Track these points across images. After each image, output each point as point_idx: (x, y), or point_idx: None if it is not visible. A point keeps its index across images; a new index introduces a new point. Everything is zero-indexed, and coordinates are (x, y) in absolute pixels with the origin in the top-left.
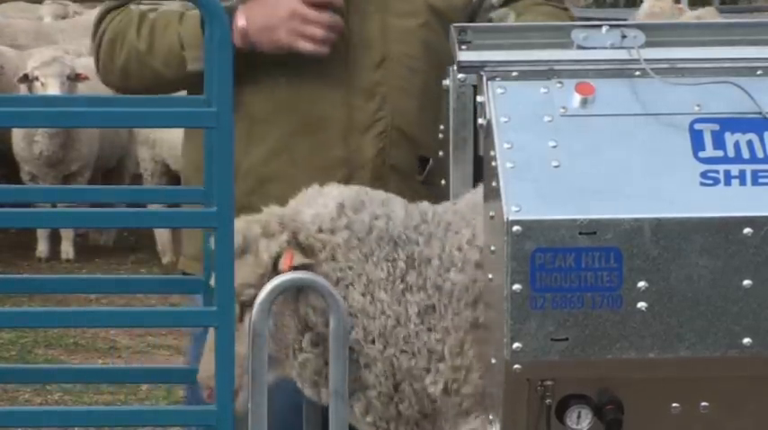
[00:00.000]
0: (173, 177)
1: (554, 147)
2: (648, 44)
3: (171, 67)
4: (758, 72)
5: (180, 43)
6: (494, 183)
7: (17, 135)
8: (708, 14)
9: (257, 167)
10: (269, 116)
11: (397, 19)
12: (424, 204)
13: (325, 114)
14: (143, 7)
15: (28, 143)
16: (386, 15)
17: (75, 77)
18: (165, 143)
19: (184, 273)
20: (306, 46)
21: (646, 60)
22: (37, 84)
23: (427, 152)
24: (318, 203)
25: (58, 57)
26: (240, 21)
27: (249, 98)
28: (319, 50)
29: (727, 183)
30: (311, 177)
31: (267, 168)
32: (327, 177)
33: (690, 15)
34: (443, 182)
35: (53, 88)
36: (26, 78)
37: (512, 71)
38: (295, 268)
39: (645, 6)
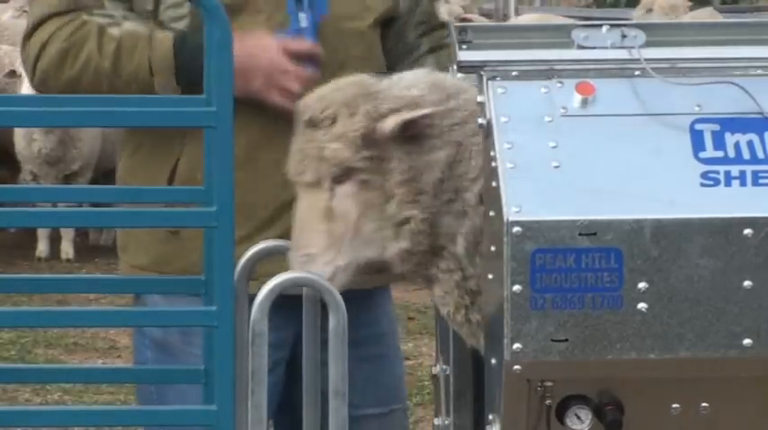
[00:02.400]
0: None
1: (554, 147)
2: (649, 44)
3: (132, 89)
4: (758, 72)
5: (149, 68)
6: (494, 184)
7: (18, 134)
8: (704, 14)
9: None
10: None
11: (349, 22)
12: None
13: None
14: (100, 20)
15: (28, 142)
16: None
17: None
18: None
19: None
20: (279, 100)
21: (646, 60)
22: (25, 79)
23: None
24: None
25: None
26: None
27: None
28: (290, 106)
29: (728, 183)
30: (275, 187)
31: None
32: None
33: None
34: None
35: (28, 83)
36: (14, 74)
37: (512, 71)
38: (401, 126)
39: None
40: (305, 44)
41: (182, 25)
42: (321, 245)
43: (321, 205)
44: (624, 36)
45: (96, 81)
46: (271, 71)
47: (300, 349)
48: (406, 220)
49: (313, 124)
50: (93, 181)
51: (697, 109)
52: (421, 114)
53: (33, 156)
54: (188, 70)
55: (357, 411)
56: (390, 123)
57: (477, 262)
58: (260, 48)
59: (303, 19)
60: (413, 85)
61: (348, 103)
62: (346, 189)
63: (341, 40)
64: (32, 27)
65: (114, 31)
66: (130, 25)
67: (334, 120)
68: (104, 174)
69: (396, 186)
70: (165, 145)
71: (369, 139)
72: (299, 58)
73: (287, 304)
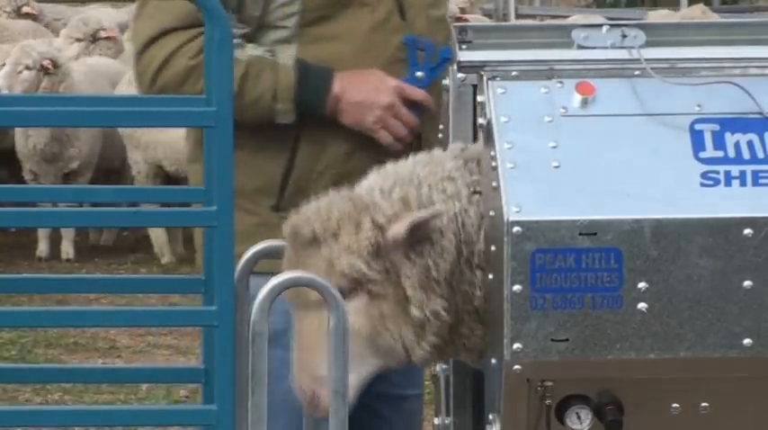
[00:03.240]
0: (164, 178)
1: (554, 147)
2: (649, 44)
3: (252, 113)
4: (758, 72)
5: (273, 95)
6: (494, 184)
7: (18, 132)
8: (695, 12)
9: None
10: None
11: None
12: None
13: None
14: None
15: (24, 139)
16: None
17: (41, 68)
18: (161, 145)
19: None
20: (387, 139)
21: (646, 60)
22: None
23: None
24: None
25: (26, 45)
26: (336, 88)
27: None
28: (395, 146)
29: (728, 183)
30: None
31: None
32: None
33: (676, 15)
34: None
35: (2, 73)
36: None
37: (512, 71)
38: (412, 228)
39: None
40: (420, 94)
41: (291, 23)
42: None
43: (327, 324)
44: (624, 36)
45: None
46: (386, 111)
47: None
48: (433, 315)
49: (314, 242)
50: (94, 181)
51: (697, 109)
52: (431, 214)
53: (31, 154)
54: (307, 99)
55: (403, 391)
56: (401, 229)
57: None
58: (383, 87)
59: (420, 75)
60: (387, 188)
61: (349, 215)
62: (355, 304)
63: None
64: (151, 38)
65: (238, 54)
66: (251, 48)
67: (337, 234)
68: (106, 173)
69: (412, 289)
70: (273, 148)
71: (379, 250)
72: (412, 105)
73: None
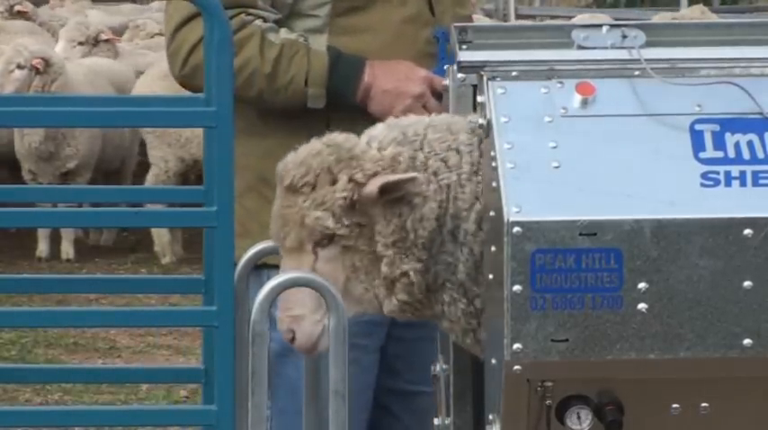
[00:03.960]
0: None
1: (554, 147)
2: (649, 44)
3: (283, 96)
4: (758, 72)
5: (305, 78)
6: (494, 184)
7: (15, 132)
8: (695, 12)
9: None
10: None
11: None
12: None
13: None
14: (259, 23)
15: (21, 137)
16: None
17: (31, 67)
18: (197, 139)
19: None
20: None
21: (646, 60)
22: None
23: None
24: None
25: (17, 45)
26: (367, 76)
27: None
28: None
29: (728, 184)
30: None
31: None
32: None
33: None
34: None
35: None
36: None
37: (512, 71)
38: (384, 188)
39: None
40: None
41: (323, 12)
42: (309, 306)
43: (306, 268)
44: (624, 36)
45: (249, 83)
46: (416, 101)
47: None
48: (403, 276)
49: (293, 189)
50: (94, 181)
51: (697, 109)
52: (404, 178)
53: (27, 153)
54: (338, 85)
55: (415, 387)
56: (372, 188)
57: (481, 280)
58: (413, 77)
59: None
60: (386, 144)
61: (328, 168)
62: (329, 253)
63: None
64: (184, 20)
65: (273, 37)
66: (285, 32)
67: (314, 187)
68: (105, 174)
69: (385, 248)
70: (301, 139)
71: (351, 207)
72: (440, 96)
73: None
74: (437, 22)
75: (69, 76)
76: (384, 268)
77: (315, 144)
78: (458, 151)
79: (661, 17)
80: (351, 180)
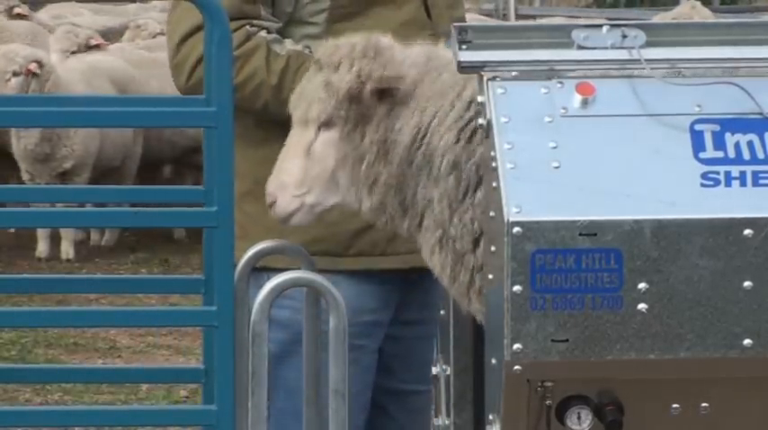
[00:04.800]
0: None
1: (554, 147)
2: (649, 44)
3: (287, 106)
4: (758, 72)
5: None
6: (494, 184)
7: (12, 134)
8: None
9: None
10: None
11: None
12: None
13: None
14: (264, 35)
15: (17, 139)
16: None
17: (27, 72)
18: None
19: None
20: None
21: (646, 60)
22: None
23: None
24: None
25: (8, 52)
26: None
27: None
28: None
29: (728, 184)
30: None
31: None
32: None
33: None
34: None
35: None
36: None
37: (512, 71)
38: (380, 90)
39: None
40: None
41: (321, 19)
42: (296, 177)
43: (305, 143)
44: (624, 36)
45: (255, 93)
46: None
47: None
48: (376, 178)
49: (319, 65)
50: (94, 180)
51: (697, 109)
52: (393, 75)
53: (24, 155)
54: None
55: (411, 386)
56: (369, 85)
57: (456, 223)
58: None
59: None
60: (413, 57)
61: (352, 57)
62: (328, 136)
63: None
64: (192, 30)
65: (278, 49)
66: (290, 43)
67: (336, 69)
68: (103, 173)
69: (369, 145)
70: None
71: (354, 96)
72: None
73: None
74: (433, 25)
75: (60, 75)
76: (363, 165)
77: (357, 36)
78: (452, 106)
79: (661, 17)
80: (359, 73)
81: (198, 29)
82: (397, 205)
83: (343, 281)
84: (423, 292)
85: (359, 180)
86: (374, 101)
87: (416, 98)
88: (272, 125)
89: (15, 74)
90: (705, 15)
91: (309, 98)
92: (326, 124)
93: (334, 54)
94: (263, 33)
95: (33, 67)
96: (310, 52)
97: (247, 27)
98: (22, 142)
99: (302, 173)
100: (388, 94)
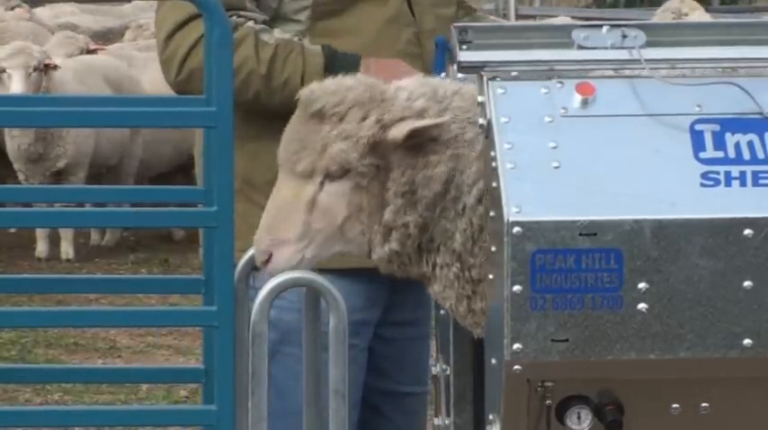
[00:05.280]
0: None
1: (554, 147)
2: (649, 44)
3: (279, 96)
4: (758, 72)
5: (301, 78)
6: (494, 184)
7: (7, 134)
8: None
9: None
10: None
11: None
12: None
13: None
14: (251, 25)
15: (10, 139)
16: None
17: (43, 68)
18: None
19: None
20: None
21: (646, 60)
22: (4, 75)
23: None
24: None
25: (25, 48)
26: (363, 73)
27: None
28: None
29: (728, 184)
30: None
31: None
32: None
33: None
34: None
35: (17, 79)
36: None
37: (512, 71)
38: (411, 134)
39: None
40: None
41: (303, 17)
42: (295, 233)
43: (306, 196)
44: (624, 36)
45: (246, 84)
46: None
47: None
48: (403, 226)
49: (321, 116)
50: (92, 179)
51: (697, 109)
52: (432, 123)
53: (17, 154)
54: None
55: (406, 388)
56: (400, 131)
57: (477, 251)
58: (408, 75)
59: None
60: (416, 97)
61: (361, 104)
62: (338, 187)
63: None
64: (178, 25)
65: (267, 38)
66: (278, 32)
67: (342, 118)
68: (101, 172)
69: (394, 196)
70: None
71: (375, 147)
72: None
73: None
74: (417, 22)
75: (53, 73)
76: (387, 215)
77: (347, 79)
78: (480, 126)
79: (661, 17)
80: (379, 121)
81: (184, 23)
82: (416, 249)
83: (332, 280)
84: (417, 291)
85: (372, 230)
86: (397, 149)
87: (441, 142)
88: (259, 121)
89: (36, 69)
90: (693, 7)
91: (314, 148)
92: (337, 176)
93: (339, 102)
94: (250, 23)
95: (50, 62)
96: (299, 40)
97: (234, 18)
98: (15, 142)
99: (302, 227)
100: (418, 139)
